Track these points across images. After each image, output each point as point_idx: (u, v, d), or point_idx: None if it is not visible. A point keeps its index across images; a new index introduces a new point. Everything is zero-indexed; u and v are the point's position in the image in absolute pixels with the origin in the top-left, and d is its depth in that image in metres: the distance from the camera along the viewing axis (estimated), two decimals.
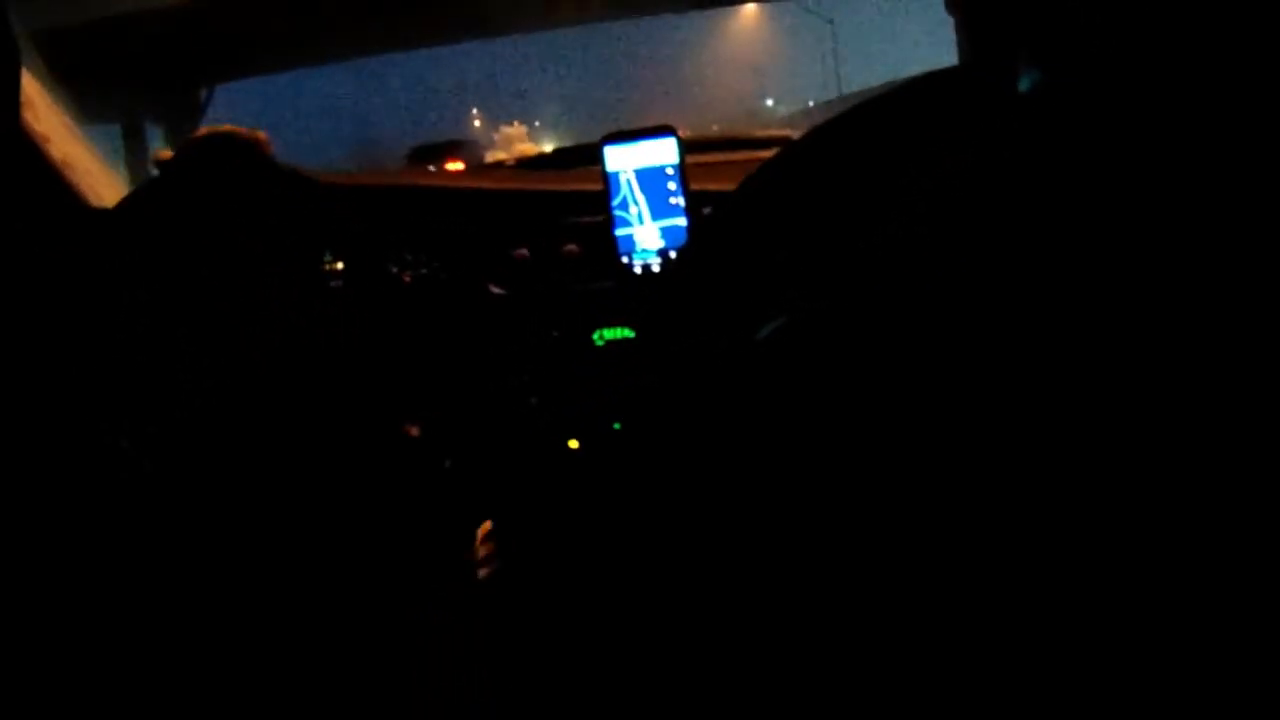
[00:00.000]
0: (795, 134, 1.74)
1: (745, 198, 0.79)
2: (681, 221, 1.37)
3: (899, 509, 0.48)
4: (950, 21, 0.79)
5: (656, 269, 1.38)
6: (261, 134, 1.29)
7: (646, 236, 1.38)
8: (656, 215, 1.38)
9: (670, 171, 1.37)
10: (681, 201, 1.37)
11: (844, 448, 0.51)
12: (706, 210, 1.37)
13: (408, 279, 1.41)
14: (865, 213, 0.64)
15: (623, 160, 1.38)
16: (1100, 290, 0.42)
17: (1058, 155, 0.45)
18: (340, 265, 1.38)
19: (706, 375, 0.68)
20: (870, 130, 0.76)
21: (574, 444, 1.40)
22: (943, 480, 0.46)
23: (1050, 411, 0.43)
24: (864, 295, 0.54)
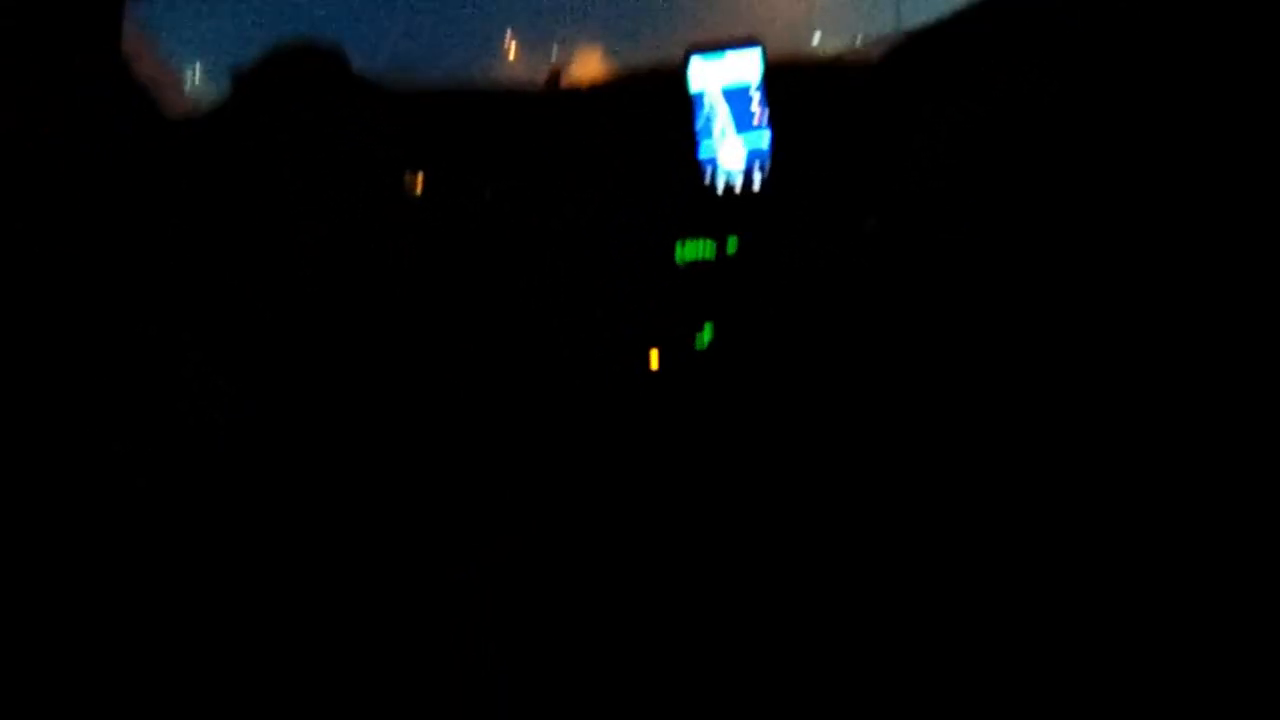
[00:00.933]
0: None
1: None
2: (765, 139, 1.37)
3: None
4: None
5: (738, 188, 1.39)
6: (337, 46, 1.31)
7: (730, 154, 1.39)
8: (741, 131, 1.38)
9: (755, 89, 1.37)
10: (765, 118, 1.37)
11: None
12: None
13: (488, 195, 1.43)
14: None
15: (708, 76, 1.38)
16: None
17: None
18: (421, 178, 1.40)
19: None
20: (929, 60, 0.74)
21: (655, 357, 1.41)
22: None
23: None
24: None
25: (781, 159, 1.39)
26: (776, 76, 1.42)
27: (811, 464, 1.33)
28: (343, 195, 1.32)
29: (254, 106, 1.31)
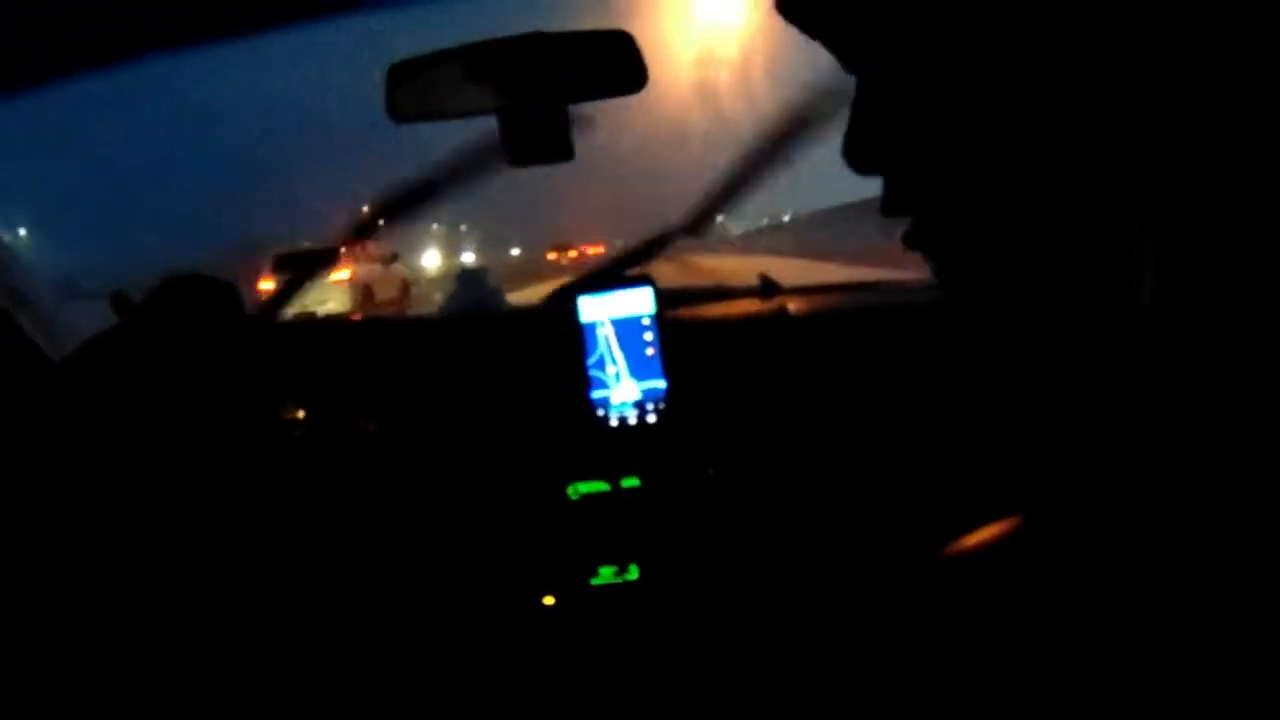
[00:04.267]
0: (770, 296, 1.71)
1: None
2: (659, 378, 1.33)
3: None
4: None
5: (633, 422, 1.34)
6: (235, 285, 1.26)
7: (623, 390, 1.34)
8: (634, 369, 1.34)
9: (647, 322, 1.33)
10: (658, 354, 1.33)
11: None
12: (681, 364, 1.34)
13: (372, 428, 1.37)
14: None
15: (597, 311, 1.34)
16: None
17: None
18: (302, 415, 1.34)
19: None
20: None
21: (549, 600, 1.36)
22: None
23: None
24: None
25: (679, 394, 1.35)
26: (671, 307, 1.38)
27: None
28: (222, 431, 1.26)
29: (137, 343, 1.25)
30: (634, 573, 1.37)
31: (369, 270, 15.76)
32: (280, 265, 12.40)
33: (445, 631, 1.38)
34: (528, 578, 1.37)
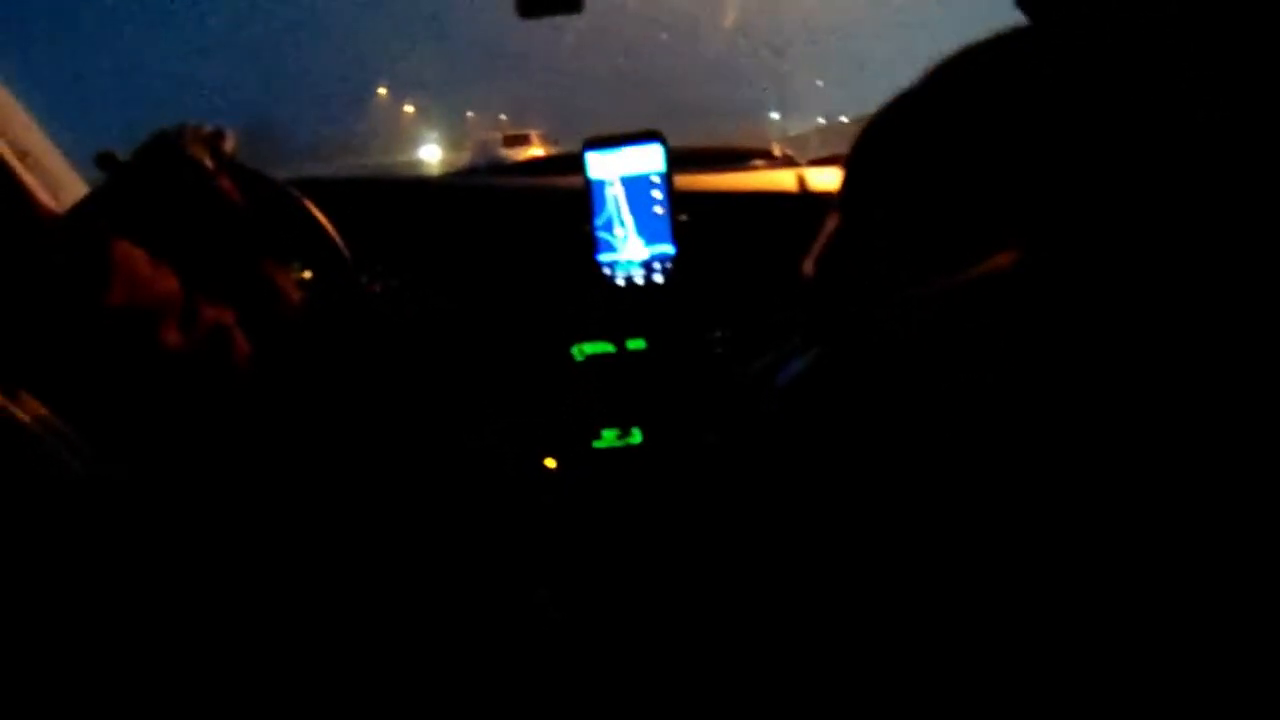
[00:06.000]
0: (777, 150, 1.64)
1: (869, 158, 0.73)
2: (668, 240, 1.29)
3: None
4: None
5: (640, 281, 1.31)
6: (227, 132, 1.21)
7: (630, 250, 1.30)
8: (641, 226, 1.29)
9: (656, 180, 1.28)
10: (668, 215, 1.28)
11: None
12: (684, 218, 1.29)
13: (377, 289, 1.34)
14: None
15: (606, 167, 1.29)
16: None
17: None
18: (308, 275, 1.31)
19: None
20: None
21: (551, 463, 1.35)
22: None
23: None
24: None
25: (688, 255, 1.31)
26: (682, 168, 1.33)
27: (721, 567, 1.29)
28: (221, 281, 1.22)
29: (124, 201, 1.21)
30: (637, 436, 1.35)
31: None
32: None
33: (442, 492, 1.38)
34: (529, 439, 1.36)
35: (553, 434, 1.35)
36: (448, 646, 1.22)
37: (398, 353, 1.35)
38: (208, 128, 1.23)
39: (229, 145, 1.22)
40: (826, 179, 1.40)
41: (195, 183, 1.19)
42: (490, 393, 1.36)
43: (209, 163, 1.17)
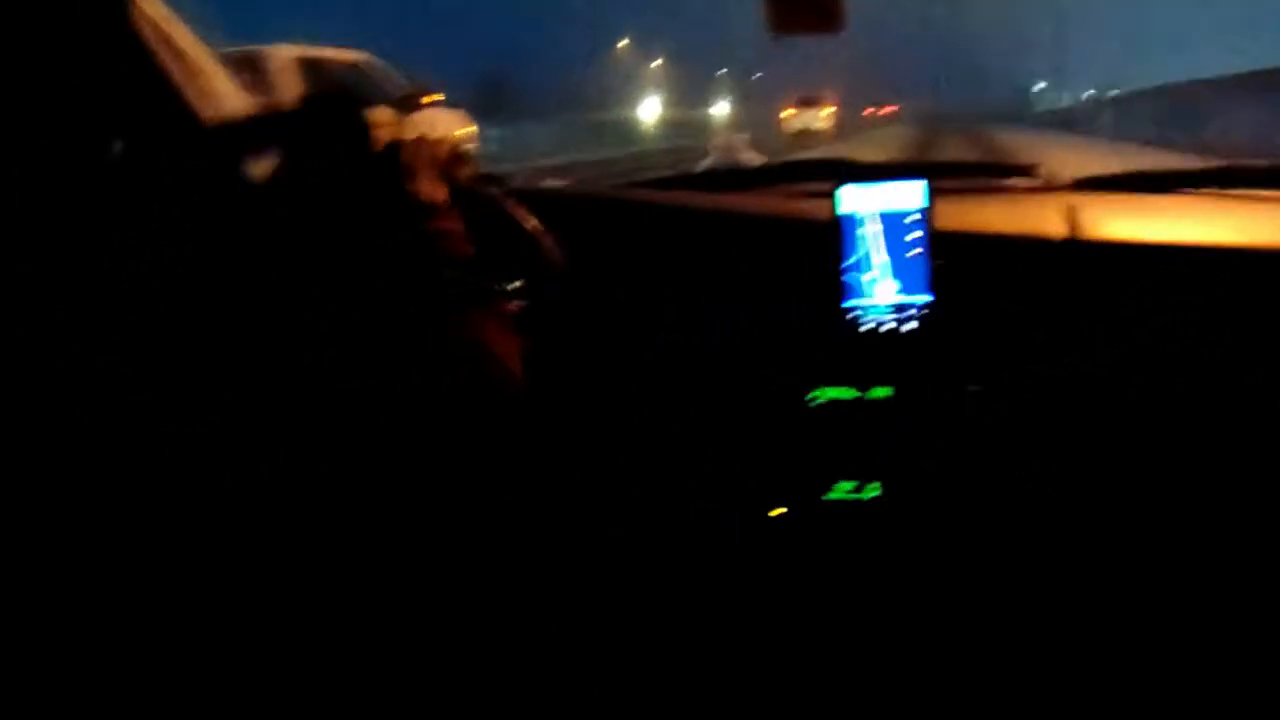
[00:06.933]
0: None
1: None
2: (924, 285, 1.17)
3: None
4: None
5: (889, 328, 1.19)
6: (428, 91, 1.05)
7: (882, 293, 1.19)
8: (897, 269, 1.18)
9: (916, 219, 1.16)
10: (925, 255, 1.16)
11: None
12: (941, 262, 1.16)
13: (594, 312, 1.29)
14: None
15: (861, 202, 1.19)
16: None
17: None
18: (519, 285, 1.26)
19: None
20: None
21: (776, 512, 1.27)
22: None
23: None
24: None
25: (944, 302, 1.19)
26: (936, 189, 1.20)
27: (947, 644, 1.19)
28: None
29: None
30: (874, 490, 1.25)
31: None
32: None
33: (660, 535, 1.33)
34: (756, 486, 1.28)
35: (781, 482, 1.27)
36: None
37: (618, 380, 1.31)
38: (445, 138, 1.10)
39: (467, 171, 1.09)
40: (1100, 219, 1.23)
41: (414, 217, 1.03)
42: (715, 433, 1.29)
43: (439, 198, 0.99)
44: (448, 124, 10.24)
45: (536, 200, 1.27)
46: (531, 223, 1.21)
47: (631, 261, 1.32)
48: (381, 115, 0.99)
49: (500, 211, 1.23)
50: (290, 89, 8.23)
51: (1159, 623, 1.19)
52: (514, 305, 1.25)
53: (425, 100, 10.09)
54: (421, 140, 1.00)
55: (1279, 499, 1.15)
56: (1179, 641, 1.17)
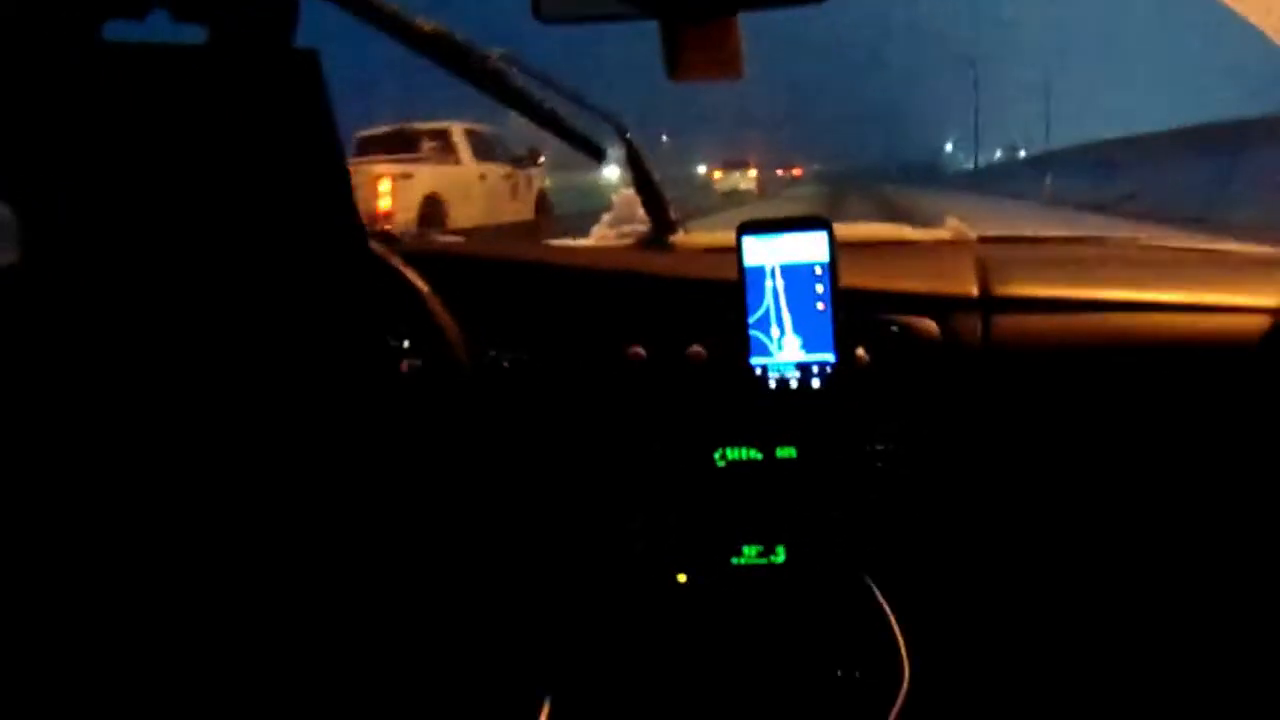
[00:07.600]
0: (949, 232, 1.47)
1: None
2: (829, 342, 1.13)
3: None
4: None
5: (794, 385, 1.16)
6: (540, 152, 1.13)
7: (787, 351, 1.15)
8: (799, 325, 1.15)
9: (819, 272, 1.13)
10: (829, 312, 1.13)
11: None
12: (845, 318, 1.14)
13: (506, 364, 1.24)
14: None
15: (763, 254, 1.15)
16: None
17: None
18: (406, 345, 1.21)
19: None
20: None
21: (682, 578, 1.22)
22: None
23: None
24: None
25: (850, 361, 1.15)
26: (850, 259, 1.17)
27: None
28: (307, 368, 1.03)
29: None
30: (781, 555, 1.20)
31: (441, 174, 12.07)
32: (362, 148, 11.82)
33: (564, 600, 1.27)
34: (660, 550, 1.23)
35: (687, 546, 1.22)
36: None
37: (517, 436, 1.25)
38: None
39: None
40: (1018, 283, 1.22)
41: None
42: (617, 494, 1.24)
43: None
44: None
45: (427, 260, 1.22)
46: (420, 283, 1.17)
47: (527, 322, 1.27)
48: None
49: (390, 270, 1.18)
50: (466, 151, 12.51)
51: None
52: (404, 365, 1.19)
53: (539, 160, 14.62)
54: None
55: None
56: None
